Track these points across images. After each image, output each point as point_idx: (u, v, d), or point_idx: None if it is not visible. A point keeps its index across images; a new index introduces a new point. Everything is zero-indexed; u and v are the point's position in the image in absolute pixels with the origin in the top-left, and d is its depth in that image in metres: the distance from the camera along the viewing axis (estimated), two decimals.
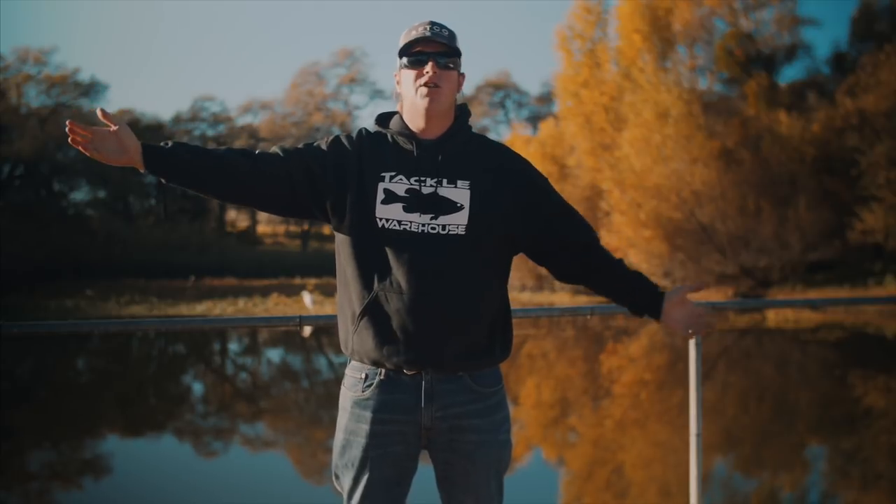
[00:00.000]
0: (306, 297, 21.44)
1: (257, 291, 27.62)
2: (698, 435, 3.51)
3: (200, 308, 21.83)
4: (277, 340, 16.73)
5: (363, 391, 2.10)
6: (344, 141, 2.16)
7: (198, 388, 12.21)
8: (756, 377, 11.95)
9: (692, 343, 3.50)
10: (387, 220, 2.06)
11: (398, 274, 2.04)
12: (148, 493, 6.02)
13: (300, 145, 2.17)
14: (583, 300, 26.08)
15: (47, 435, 8.25)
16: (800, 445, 7.79)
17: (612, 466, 6.91)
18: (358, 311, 2.08)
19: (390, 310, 2.05)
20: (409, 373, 2.08)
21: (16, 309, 21.64)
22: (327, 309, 20.58)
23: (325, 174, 2.12)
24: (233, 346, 16.57)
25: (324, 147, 2.16)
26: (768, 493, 6.16)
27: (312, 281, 30.77)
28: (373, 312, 2.07)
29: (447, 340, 2.06)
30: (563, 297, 26.97)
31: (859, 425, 8.43)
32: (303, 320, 2.97)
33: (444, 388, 2.09)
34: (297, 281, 33.19)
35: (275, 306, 22.49)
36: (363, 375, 2.11)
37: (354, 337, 2.10)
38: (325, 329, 16.97)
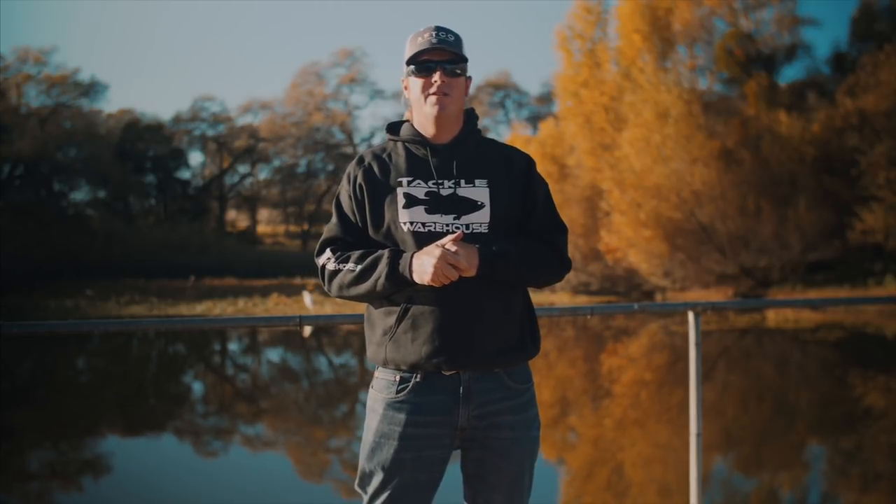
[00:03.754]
0: (306, 297, 21.44)
1: (257, 291, 27.63)
2: (698, 435, 3.51)
3: (200, 308, 21.83)
4: (277, 340, 16.73)
5: (397, 393, 2.11)
6: (346, 186, 2.20)
7: (198, 388, 12.21)
8: (756, 377, 11.94)
9: (692, 343, 3.51)
10: (411, 223, 2.09)
11: None
12: (148, 493, 6.01)
13: (342, 222, 2.20)
14: (583, 300, 26.10)
15: (47, 435, 8.25)
16: (800, 445, 7.79)
17: (612, 466, 6.91)
18: (394, 318, 2.11)
19: (426, 312, 2.07)
20: (447, 373, 2.09)
21: (16, 309, 21.65)
22: (327, 309, 20.59)
23: (359, 220, 2.18)
24: (233, 346, 16.57)
25: (345, 209, 2.20)
26: (768, 493, 6.16)
27: (312, 281, 30.75)
28: (410, 316, 2.09)
29: (484, 338, 2.09)
30: (563, 297, 26.97)
31: (859, 425, 8.42)
32: (303, 320, 2.97)
33: (481, 386, 2.11)
34: (297, 281, 33.18)
35: (275, 306, 22.50)
36: (397, 378, 2.11)
37: (390, 345, 2.10)
38: (325, 329, 16.98)
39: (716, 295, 24.22)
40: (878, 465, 6.83)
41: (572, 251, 27.92)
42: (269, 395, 10.98)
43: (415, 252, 2.06)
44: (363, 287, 2.10)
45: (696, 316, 3.50)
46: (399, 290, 2.08)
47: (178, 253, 41.10)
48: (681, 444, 6.49)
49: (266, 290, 27.62)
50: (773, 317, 18.69)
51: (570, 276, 28.33)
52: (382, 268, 2.06)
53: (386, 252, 2.08)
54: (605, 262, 27.56)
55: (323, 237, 2.22)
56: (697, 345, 3.49)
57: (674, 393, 9.98)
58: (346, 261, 2.13)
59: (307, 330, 16.27)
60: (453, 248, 2.01)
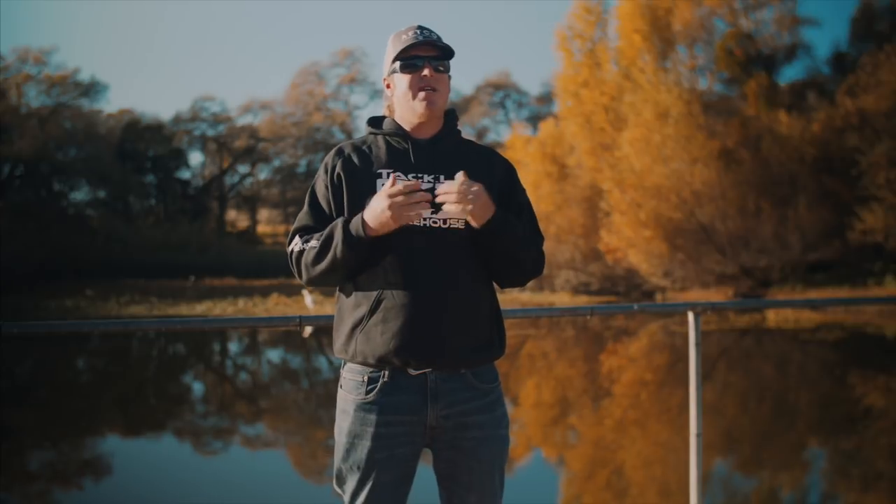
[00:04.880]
0: (306, 297, 21.44)
1: (257, 291, 27.62)
2: (698, 435, 3.51)
3: (200, 308, 21.82)
4: (277, 340, 16.73)
5: (367, 394, 2.10)
6: (323, 175, 2.19)
7: (198, 388, 12.21)
8: (756, 377, 11.94)
9: (692, 343, 3.51)
10: None
11: (405, 268, 2.06)
12: (148, 493, 6.01)
13: (313, 210, 2.19)
14: (583, 300, 26.10)
15: (47, 435, 8.25)
16: (800, 445, 7.79)
17: (612, 466, 6.91)
18: (366, 309, 2.09)
19: (398, 305, 2.06)
20: (414, 372, 2.08)
21: (16, 309, 21.64)
22: (327, 309, 20.58)
23: (335, 210, 2.16)
24: (233, 346, 16.57)
25: (319, 198, 2.19)
26: (768, 493, 6.16)
27: None
28: (381, 309, 2.07)
29: (454, 334, 2.08)
30: (563, 297, 26.97)
31: (859, 425, 8.43)
32: (303, 320, 2.97)
33: (448, 386, 2.10)
34: (298, 281, 32.93)
35: (275, 306, 22.49)
36: (364, 378, 2.11)
37: (360, 336, 2.09)
38: (325, 329, 16.95)
39: (716, 295, 24.21)
40: (878, 465, 6.83)
41: (572, 251, 28.00)
42: (269, 395, 10.99)
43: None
44: (326, 261, 2.07)
45: (696, 316, 3.50)
46: (360, 255, 2.04)
47: (178, 253, 41.07)
48: (681, 444, 6.49)
49: (266, 290, 27.62)
50: (773, 317, 18.69)
51: (571, 276, 28.37)
52: (338, 234, 2.04)
53: (339, 219, 2.08)
54: (605, 262, 27.55)
55: (294, 226, 2.20)
56: (697, 345, 3.49)
57: (674, 393, 9.98)
58: (309, 240, 2.12)
59: (307, 330, 16.26)
60: (400, 185, 1.98)
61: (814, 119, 26.00)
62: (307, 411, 9.80)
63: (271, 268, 38.06)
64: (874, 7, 28.39)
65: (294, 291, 26.61)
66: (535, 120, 44.67)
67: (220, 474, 6.71)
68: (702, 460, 3.53)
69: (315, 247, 2.09)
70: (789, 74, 38.98)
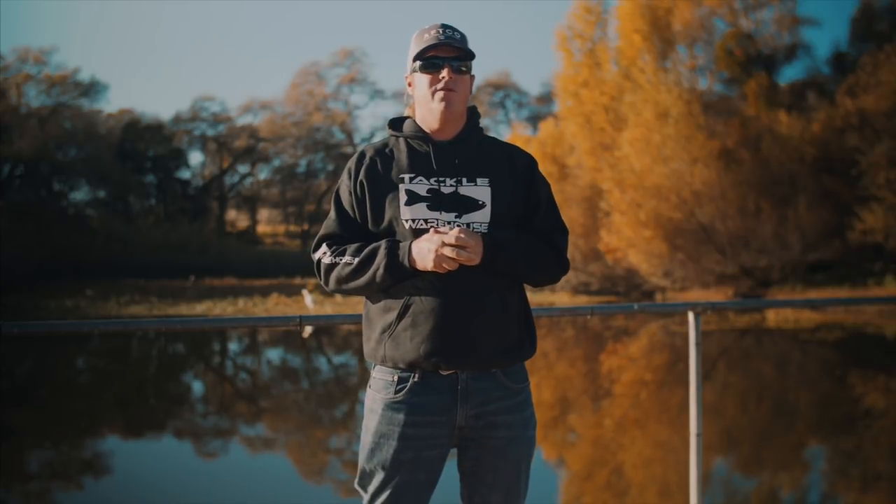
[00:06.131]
0: (306, 297, 21.45)
1: (257, 291, 27.63)
2: (698, 435, 3.51)
3: (200, 308, 21.81)
4: (277, 340, 16.73)
5: (396, 393, 2.10)
6: (346, 181, 2.19)
7: (198, 388, 12.21)
8: (756, 377, 11.94)
9: (692, 343, 3.51)
10: (413, 220, 2.09)
11: (431, 274, 2.06)
12: (148, 493, 6.01)
13: (340, 218, 2.19)
14: (583, 300, 26.10)
15: (47, 435, 8.25)
16: (800, 445, 7.79)
17: (612, 466, 6.91)
18: (394, 315, 2.10)
19: (427, 310, 2.06)
20: (445, 373, 2.08)
21: (16, 309, 21.64)
22: (327, 309, 20.59)
23: (359, 216, 2.17)
24: (233, 346, 16.56)
25: (344, 204, 2.19)
26: (768, 493, 6.16)
27: (312, 281, 30.71)
28: (410, 313, 2.08)
29: (483, 338, 2.08)
30: (563, 297, 26.96)
31: (859, 425, 8.43)
32: (303, 320, 2.97)
33: (479, 386, 2.11)
34: (297, 281, 33.17)
35: (275, 306, 22.49)
36: (394, 378, 2.11)
37: (389, 342, 2.10)
38: (325, 329, 16.98)
39: (716, 295, 24.22)
40: (878, 465, 6.83)
41: (572, 251, 27.93)
42: (269, 395, 10.98)
43: (413, 240, 2.06)
44: (362, 280, 2.09)
45: (696, 316, 3.49)
46: (398, 281, 2.07)
47: (178, 253, 41.10)
48: (681, 444, 6.49)
49: (266, 290, 27.61)
50: (773, 317, 18.68)
51: (570, 276, 28.33)
52: (381, 259, 2.06)
53: (383, 243, 2.08)
54: (605, 262, 27.55)
55: (320, 233, 2.21)
56: (697, 345, 3.49)
57: (674, 393, 9.98)
58: (343, 254, 2.12)
59: (307, 330, 16.26)
60: (452, 239, 2.00)
61: (814, 119, 25.99)
62: (307, 411, 9.79)
63: (271, 268, 38.08)
64: (874, 7, 28.39)
65: (294, 291, 26.62)
66: (535, 120, 44.74)
67: (220, 474, 6.71)
68: (702, 460, 3.53)
69: (351, 264, 2.10)
70: (789, 74, 39.00)
